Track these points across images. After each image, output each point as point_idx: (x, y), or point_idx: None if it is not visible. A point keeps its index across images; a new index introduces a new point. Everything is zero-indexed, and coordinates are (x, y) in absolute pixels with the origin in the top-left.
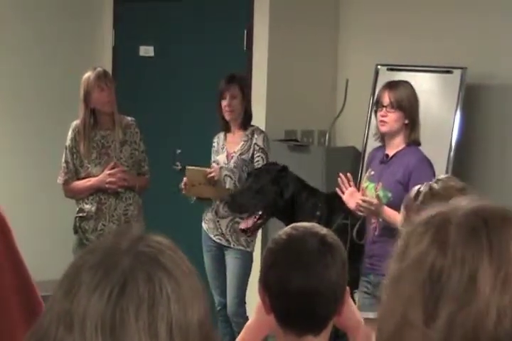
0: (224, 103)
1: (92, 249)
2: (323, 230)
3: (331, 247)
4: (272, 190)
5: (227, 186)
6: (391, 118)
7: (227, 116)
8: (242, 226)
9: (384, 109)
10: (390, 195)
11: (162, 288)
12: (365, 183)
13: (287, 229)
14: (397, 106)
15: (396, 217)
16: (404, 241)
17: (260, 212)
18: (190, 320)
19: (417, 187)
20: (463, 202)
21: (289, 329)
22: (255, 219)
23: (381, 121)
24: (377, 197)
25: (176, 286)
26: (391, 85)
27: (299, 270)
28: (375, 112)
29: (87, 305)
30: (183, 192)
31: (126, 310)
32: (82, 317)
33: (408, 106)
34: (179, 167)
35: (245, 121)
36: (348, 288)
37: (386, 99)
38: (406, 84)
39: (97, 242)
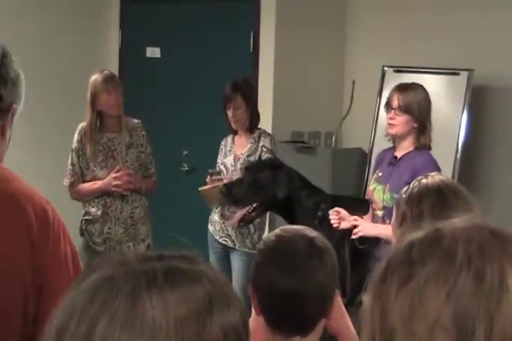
0: (229, 113)
1: (115, 255)
2: (312, 233)
3: (320, 250)
4: (266, 184)
5: None
6: (398, 121)
7: (232, 125)
8: (236, 217)
9: (393, 111)
10: (396, 196)
11: (119, 299)
12: (372, 185)
13: (277, 230)
14: (405, 109)
15: (388, 231)
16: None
17: (254, 205)
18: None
19: (406, 187)
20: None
21: (277, 331)
22: (249, 211)
23: (389, 123)
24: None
25: (133, 309)
26: (402, 88)
27: (286, 271)
28: (387, 113)
29: (74, 296)
30: (210, 207)
31: (91, 306)
32: (67, 304)
33: (417, 110)
34: (186, 168)
35: (252, 126)
36: (338, 291)
37: (395, 102)
38: (418, 87)
39: (127, 252)
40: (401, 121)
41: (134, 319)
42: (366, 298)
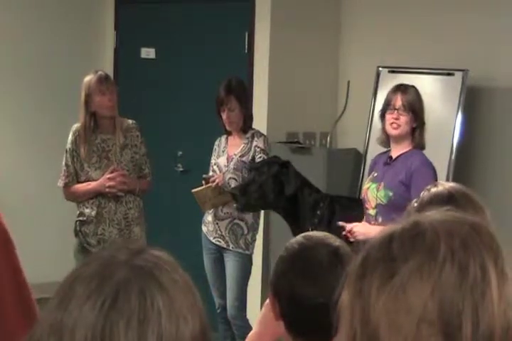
0: (223, 115)
1: (89, 261)
2: (336, 241)
3: (343, 259)
4: (275, 185)
5: None
6: (403, 121)
7: (227, 127)
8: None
9: (396, 111)
10: (391, 193)
11: (154, 302)
12: (367, 184)
13: (300, 238)
14: (410, 109)
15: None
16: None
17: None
18: (181, 335)
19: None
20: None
21: (299, 337)
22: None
23: (393, 123)
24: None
25: (169, 301)
26: (402, 88)
27: (309, 280)
28: (382, 115)
29: (78, 315)
30: (203, 211)
31: (116, 323)
32: (72, 327)
33: (419, 109)
34: (180, 169)
35: (245, 126)
36: None
37: (399, 102)
38: (414, 88)
39: (95, 254)
40: (405, 121)
41: (176, 304)
42: (344, 295)
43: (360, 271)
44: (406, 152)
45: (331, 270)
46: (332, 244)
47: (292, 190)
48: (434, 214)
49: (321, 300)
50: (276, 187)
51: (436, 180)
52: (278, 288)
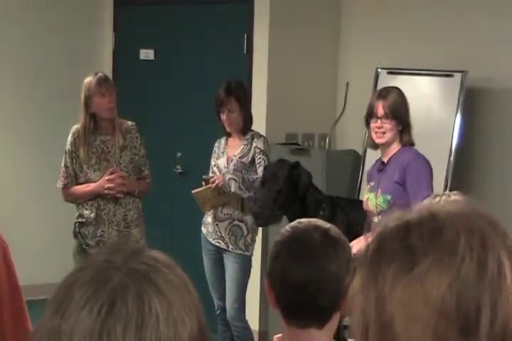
0: (223, 117)
1: (85, 265)
2: (327, 224)
3: (334, 241)
4: (289, 189)
5: (232, 189)
6: (387, 129)
7: (226, 128)
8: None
9: (379, 120)
10: (389, 197)
11: (151, 306)
12: (365, 195)
13: (293, 223)
14: (393, 115)
15: None
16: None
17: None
18: (179, 337)
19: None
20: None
21: (292, 322)
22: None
23: (377, 132)
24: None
25: (166, 305)
26: (383, 95)
27: (301, 261)
28: (367, 123)
29: (75, 322)
30: (203, 212)
31: (114, 328)
32: (70, 334)
33: (403, 112)
34: (179, 170)
35: (245, 128)
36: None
37: (380, 111)
38: (396, 90)
39: (91, 257)
40: (389, 128)
41: (174, 307)
42: (356, 280)
43: (376, 259)
44: (396, 152)
45: (322, 251)
46: (323, 226)
47: (303, 190)
48: (448, 205)
49: (311, 281)
50: (290, 190)
51: (431, 172)
52: (272, 273)
